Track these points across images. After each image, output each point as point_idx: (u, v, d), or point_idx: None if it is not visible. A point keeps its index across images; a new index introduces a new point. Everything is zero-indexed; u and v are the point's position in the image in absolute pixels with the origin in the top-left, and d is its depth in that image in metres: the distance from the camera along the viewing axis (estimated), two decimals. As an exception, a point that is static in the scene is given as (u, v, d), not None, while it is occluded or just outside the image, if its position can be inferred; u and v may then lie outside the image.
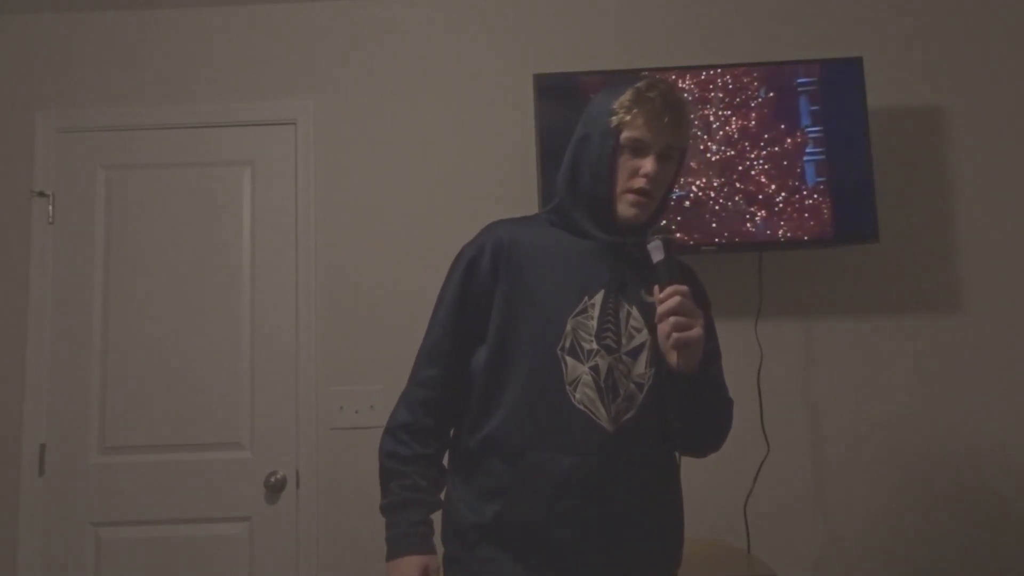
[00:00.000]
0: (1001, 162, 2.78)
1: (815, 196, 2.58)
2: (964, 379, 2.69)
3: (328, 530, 2.69)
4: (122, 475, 2.71)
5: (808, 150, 2.60)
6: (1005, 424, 2.67)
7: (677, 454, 1.51)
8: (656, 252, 1.40)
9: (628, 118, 1.43)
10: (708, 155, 2.60)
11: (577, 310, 1.43)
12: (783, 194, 2.58)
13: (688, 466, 2.68)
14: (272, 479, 2.70)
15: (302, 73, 2.91)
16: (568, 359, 1.42)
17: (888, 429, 2.68)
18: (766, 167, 2.59)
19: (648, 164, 1.44)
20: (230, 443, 2.73)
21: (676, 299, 1.34)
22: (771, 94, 2.62)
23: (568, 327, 1.43)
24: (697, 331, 1.34)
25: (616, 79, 1.55)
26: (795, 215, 2.57)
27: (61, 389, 2.75)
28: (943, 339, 2.72)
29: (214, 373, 2.76)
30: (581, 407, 1.40)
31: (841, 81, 2.61)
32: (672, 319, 1.33)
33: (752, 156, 2.60)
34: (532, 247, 1.50)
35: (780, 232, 2.57)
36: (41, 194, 2.83)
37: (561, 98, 2.63)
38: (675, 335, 1.33)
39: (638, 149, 1.44)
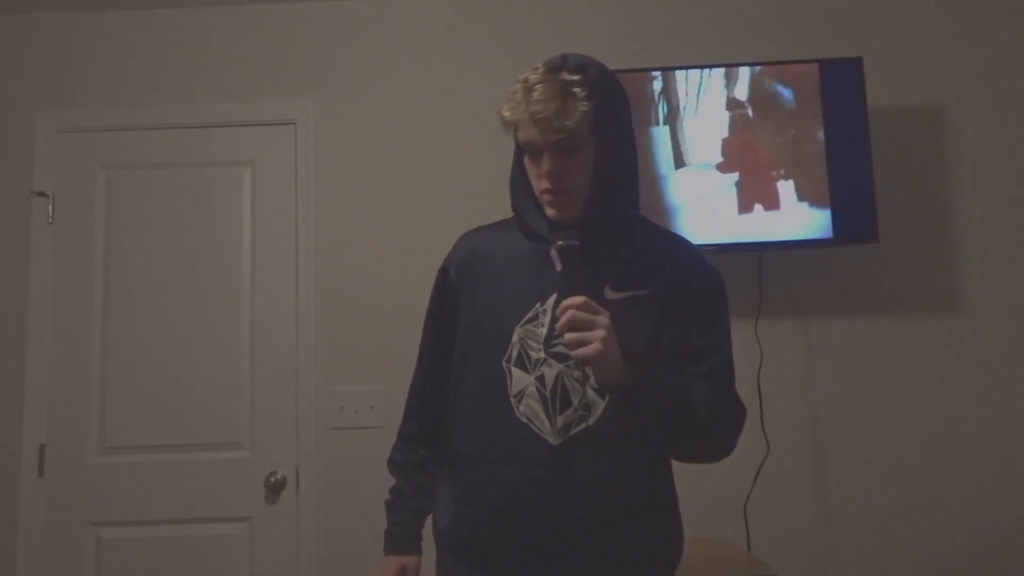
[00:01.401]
0: (1001, 162, 2.78)
1: (815, 196, 2.57)
2: (964, 379, 2.69)
3: (328, 530, 2.69)
4: (122, 475, 2.71)
5: (808, 150, 2.59)
6: (1004, 424, 2.67)
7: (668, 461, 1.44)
8: (556, 262, 1.33)
9: (514, 119, 1.36)
10: (708, 155, 2.61)
11: (527, 318, 1.37)
12: (783, 194, 2.58)
13: (688, 466, 2.67)
14: (272, 479, 2.70)
15: (302, 73, 2.91)
16: (514, 370, 1.37)
17: (888, 429, 2.68)
18: (765, 167, 2.59)
19: (546, 163, 1.34)
20: (230, 443, 2.73)
21: (568, 314, 1.24)
22: (771, 94, 2.61)
23: (514, 337, 1.37)
24: (593, 347, 1.23)
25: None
26: (795, 215, 2.57)
27: (61, 389, 2.75)
28: (943, 339, 2.72)
29: (214, 373, 2.76)
30: (524, 420, 1.34)
31: (841, 81, 2.61)
32: (567, 336, 1.24)
33: (752, 156, 2.60)
34: (492, 256, 1.46)
35: (780, 232, 2.57)
36: (41, 194, 2.83)
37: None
38: (573, 353, 1.24)
39: (532, 149, 1.37)
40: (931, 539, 2.63)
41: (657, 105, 2.63)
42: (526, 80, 1.35)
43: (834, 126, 2.59)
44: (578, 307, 1.25)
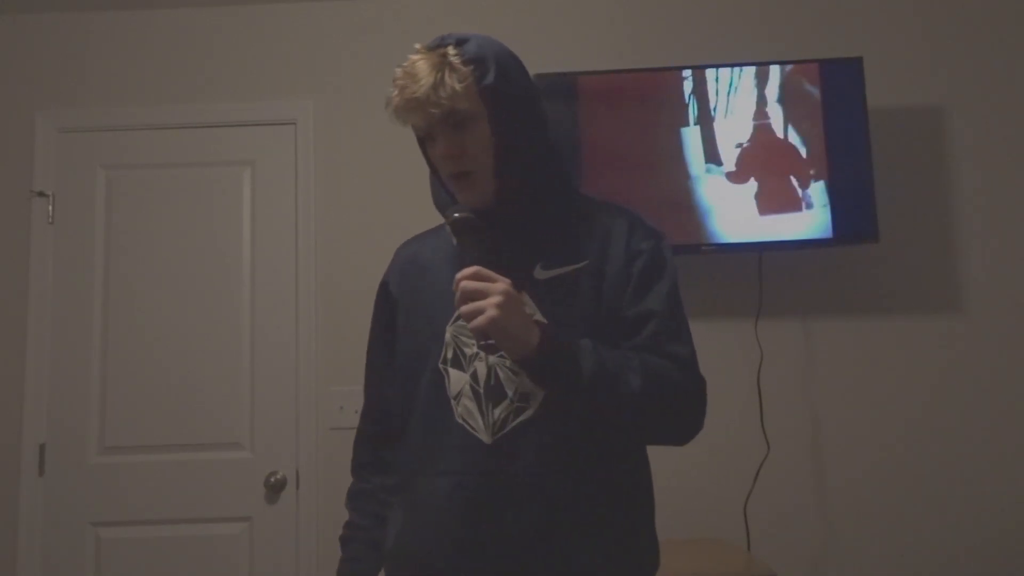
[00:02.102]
0: (1001, 162, 2.78)
1: (815, 196, 2.57)
2: (963, 379, 2.69)
3: (328, 530, 2.69)
4: (122, 475, 2.71)
5: (808, 150, 2.59)
6: (1004, 424, 2.67)
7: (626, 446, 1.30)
8: (452, 239, 1.29)
9: (398, 107, 1.28)
10: (708, 155, 2.61)
11: (457, 314, 1.24)
12: (783, 194, 2.58)
13: (688, 465, 2.68)
14: (272, 479, 2.70)
15: (302, 73, 2.91)
16: (451, 371, 1.29)
17: (887, 429, 2.68)
18: (766, 167, 2.59)
19: (439, 146, 1.28)
20: (230, 443, 2.73)
21: (460, 286, 1.16)
22: (771, 94, 2.62)
23: (447, 336, 1.30)
24: (487, 314, 1.13)
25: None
26: (795, 215, 2.57)
27: (61, 389, 2.75)
28: (943, 339, 2.72)
29: (214, 373, 2.75)
30: (461, 421, 1.26)
31: (841, 81, 2.61)
32: (461, 309, 1.15)
33: (751, 155, 2.60)
34: (423, 261, 1.40)
35: (780, 232, 2.57)
36: (41, 194, 2.83)
37: (561, 98, 2.63)
38: (470, 325, 1.15)
39: (421, 135, 1.31)
40: (931, 539, 2.63)
41: (688, 105, 2.62)
42: (403, 65, 1.28)
43: (834, 126, 2.59)
44: (469, 277, 1.16)
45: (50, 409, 2.74)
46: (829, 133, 2.59)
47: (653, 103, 2.64)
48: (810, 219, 2.57)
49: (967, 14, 2.85)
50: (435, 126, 1.26)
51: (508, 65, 1.29)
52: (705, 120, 2.61)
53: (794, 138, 2.59)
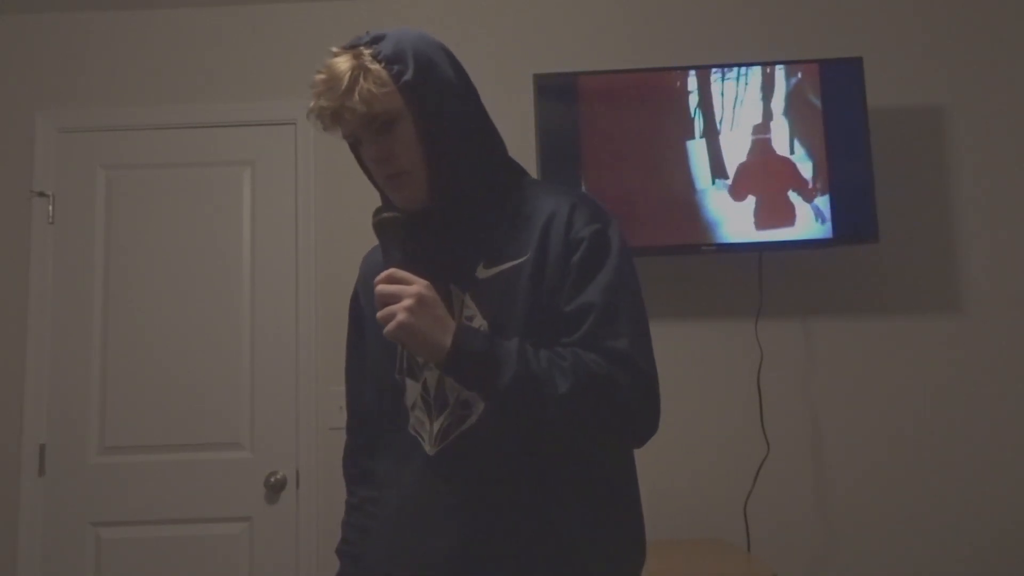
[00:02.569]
0: (1001, 162, 2.78)
1: (815, 196, 2.57)
2: (963, 379, 2.69)
3: (328, 530, 2.69)
4: (122, 475, 2.71)
5: (808, 150, 2.59)
6: (1004, 424, 2.67)
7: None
8: (380, 243, 1.25)
9: (318, 114, 1.23)
10: (708, 155, 2.61)
11: None
12: (783, 194, 2.58)
13: (688, 465, 2.69)
14: (272, 479, 2.70)
15: (302, 73, 2.90)
16: (408, 381, 1.24)
17: (888, 429, 2.68)
18: (764, 183, 2.59)
19: (367, 151, 1.23)
20: (230, 443, 2.73)
21: (376, 291, 1.12)
22: (776, 107, 2.61)
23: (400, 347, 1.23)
24: (396, 320, 1.09)
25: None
26: (795, 215, 2.57)
27: (61, 389, 2.75)
28: (943, 339, 2.72)
29: (214, 373, 2.75)
30: (413, 432, 1.22)
31: (841, 81, 2.61)
32: (378, 315, 1.11)
33: (751, 155, 2.60)
34: (379, 269, 1.27)
35: (780, 232, 2.57)
36: (41, 194, 2.83)
37: (561, 98, 2.63)
38: (384, 331, 1.11)
39: (353, 142, 1.26)
40: (931, 539, 2.63)
41: (694, 119, 2.62)
42: (320, 70, 1.24)
43: (834, 126, 2.59)
44: (383, 280, 1.12)
45: (50, 409, 2.74)
46: (829, 134, 2.58)
47: (654, 105, 2.63)
48: (810, 219, 2.57)
49: (967, 14, 2.85)
50: (359, 131, 1.21)
51: (429, 58, 1.23)
52: (711, 133, 2.61)
53: (800, 152, 2.58)
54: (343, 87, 1.17)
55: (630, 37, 2.88)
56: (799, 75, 2.61)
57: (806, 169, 2.58)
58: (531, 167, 2.80)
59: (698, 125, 2.61)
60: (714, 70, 2.63)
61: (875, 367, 2.71)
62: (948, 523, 2.63)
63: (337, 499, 2.70)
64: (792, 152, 2.59)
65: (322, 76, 1.22)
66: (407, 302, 1.09)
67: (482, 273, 1.21)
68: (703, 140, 2.60)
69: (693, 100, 2.62)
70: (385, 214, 1.22)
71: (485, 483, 1.16)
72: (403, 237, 1.20)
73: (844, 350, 2.72)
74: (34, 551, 2.67)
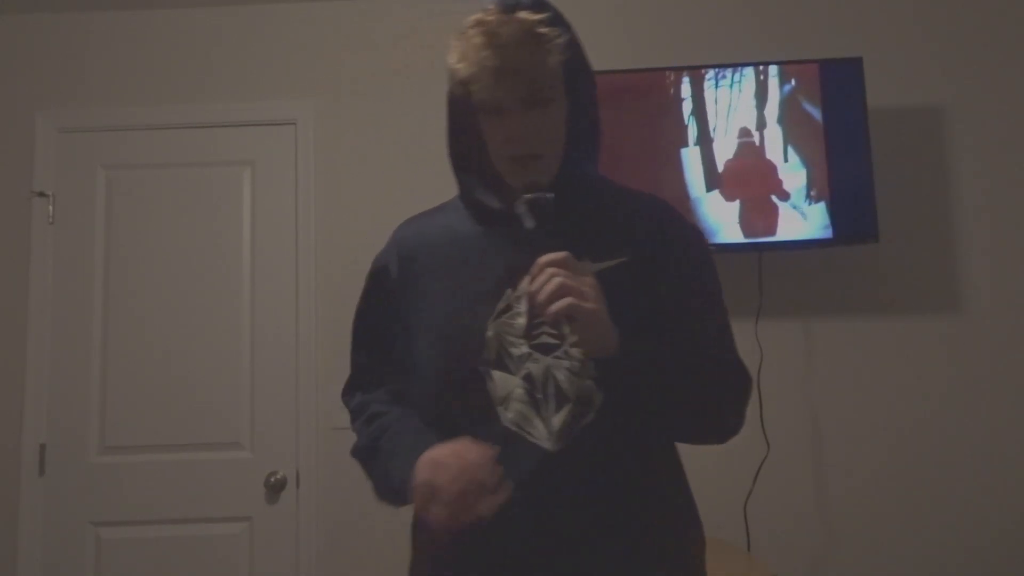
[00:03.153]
0: (1001, 162, 2.78)
1: (815, 196, 2.57)
2: (963, 379, 2.69)
3: (328, 530, 2.69)
4: (122, 475, 2.71)
5: (803, 157, 2.59)
6: (1004, 424, 2.67)
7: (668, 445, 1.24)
8: (526, 218, 1.13)
9: (467, 74, 1.13)
10: (702, 163, 2.61)
11: (498, 310, 1.16)
12: (767, 198, 2.58)
13: (687, 465, 2.67)
14: (272, 479, 2.70)
15: (302, 73, 2.91)
16: (495, 373, 1.15)
17: (887, 429, 2.68)
18: (753, 170, 2.59)
19: (516, 124, 1.13)
20: (230, 443, 2.73)
21: (546, 274, 1.03)
22: (764, 102, 2.61)
23: (489, 334, 1.15)
24: (589, 306, 1.03)
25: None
26: (795, 215, 2.57)
27: (61, 389, 2.75)
28: (943, 339, 2.72)
29: (214, 373, 2.75)
30: (514, 428, 1.13)
31: (841, 81, 2.61)
32: (563, 303, 1.02)
33: (738, 158, 2.60)
34: (438, 244, 1.24)
35: (780, 232, 2.57)
36: (41, 194, 2.83)
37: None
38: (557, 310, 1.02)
39: (495, 109, 1.14)
40: (931, 539, 2.63)
41: (688, 126, 2.61)
42: (480, 23, 1.13)
43: (834, 126, 2.59)
44: (559, 264, 1.04)
45: (50, 409, 2.74)
46: (829, 135, 2.58)
47: (650, 109, 2.63)
48: (815, 216, 2.57)
49: (967, 14, 2.85)
50: (508, 100, 1.12)
51: (579, 41, 1.18)
52: (705, 141, 2.60)
53: (794, 159, 2.58)
54: (523, 51, 1.10)
55: (630, 37, 2.88)
56: (793, 82, 2.61)
57: (799, 177, 2.58)
58: (531, 167, 2.81)
59: (692, 132, 2.61)
60: (709, 75, 2.63)
61: (875, 367, 2.71)
62: (948, 523, 2.63)
63: (337, 499, 2.72)
64: (786, 160, 2.58)
65: (486, 33, 1.11)
66: (592, 290, 1.04)
67: (594, 267, 1.16)
68: (697, 148, 2.60)
69: (687, 107, 2.62)
70: (538, 197, 1.12)
71: (604, 476, 1.14)
72: (552, 223, 1.12)
73: (844, 350, 2.72)
74: (34, 551, 2.67)
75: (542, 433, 1.13)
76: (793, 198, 2.57)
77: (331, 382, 2.75)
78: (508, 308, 1.16)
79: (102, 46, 2.93)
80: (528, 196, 1.12)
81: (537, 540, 1.11)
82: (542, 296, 1.03)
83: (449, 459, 1.06)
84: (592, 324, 1.04)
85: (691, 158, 2.61)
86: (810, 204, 2.57)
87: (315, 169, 2.86)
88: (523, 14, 1.13)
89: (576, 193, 1.19)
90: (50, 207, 2.83)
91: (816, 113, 2.60)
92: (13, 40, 2.93)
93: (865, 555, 2.64)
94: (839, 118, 2.59)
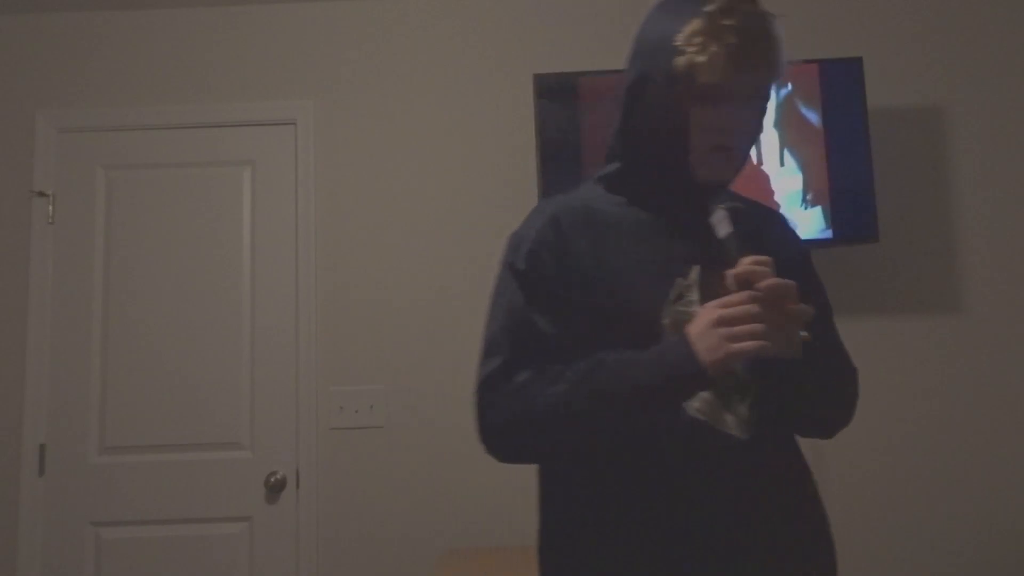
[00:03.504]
0: (1001, 162, 2.78)
1: (811, 200, 2.57)
2: (964, 379, 2.69)
3: (328, 530, 2.69)
4: (122, 475, 2.71)
5: (804, 154, 2.59)
6: (1005, 424, 2.67)
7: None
8: (721, 225, 1.11)
9: (701, 57, 1.09)
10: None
11: (672, 297, 1.13)
12: (783, 194, 2.58)
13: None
14: (272, 479, 2.70)
15: (302, 73, 2.92)
16: None
17: (887, 429, 2.68)
18: (759, 175, 2.59)
19: (731, 115, 1.12)
20: (230, 443, 2.73)
21: (773, 283, 1.03)
22: (771, 94, 2.61)
23: (666, 321, 1.12)
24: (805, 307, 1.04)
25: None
26: (795, 215, 2.57)
27: (61, 389, 2.75)
28: (943, 339, 2.72)
29: (214, 373, 2.76)
30: (702, 417, 1.11)
31: (841, 81, 2.61)
32: (804, 308, 1.03)
33: (751, 156, 2.60)
34: (606, 224, 1.18)
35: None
36: (41, 194, 2.83)
37: (561, 98, 2.63)
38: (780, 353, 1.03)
39: (716, 96, 1.11)
40: (931, 539, 2.63)
41: None
42: (729, 10, 1.10)
43: (834, 126, 2.59)
44: (768, 264, 1.05)
45: (50, 409, 2.74)
46: (829, 135, 2.59)
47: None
48: (810, 219, 2.57)
49: (966, 14, 2.85)
50: (741, 92, 1.12)
51: None
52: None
53: (790, 164, 2.58)
54: (766, 45, 1.10)
55: (630, 37, 2.88)
56: (790, 86, 2.61)
57: (795, 181, 2.58)
58: (531, 167, 2.81)
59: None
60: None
61: (875, 367, 2.71)
62: (948, 523, 2.64)
63: (337, 499, 2.72)
64: (782, 164, 2.58)
65: (742, 22, 1.10)
66: (808, 309, 1.04)
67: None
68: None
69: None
70: (734, 204, 1.15)
71: (783, 463, 1.17)
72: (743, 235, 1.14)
73: (845, 349, 2.71)
74: (34, 551, 2.67)
75: (733, 422, 1.12)
76: (788, 203, 2.57)
77: (331, 382, 2.75)
78: (680, 296, 1.14)
79: (102, 46, 2.93)
80: (728, 206, 1.12)
81: (741, 527, 1.09)
82: (776, 293, 1.02)
83: (722, 307, 1.04)
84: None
85: None
86: (806, 208, 2.57)
87: (315, 169, 2.86)
88: (754, 5, 1.13)
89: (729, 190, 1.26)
90: (50, 207, 2.83)
91: (813, 116, 2.60)
92: (13, 40, 2.93)
93: (865, 555, 2.64)
94: (839, 118, 2.59)
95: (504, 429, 1.12)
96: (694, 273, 1.14)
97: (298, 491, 2.71)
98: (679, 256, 1.15)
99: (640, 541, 1.09)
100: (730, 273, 1.06)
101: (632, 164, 1.21)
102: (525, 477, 2.70)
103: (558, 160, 2.61)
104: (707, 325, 1.03)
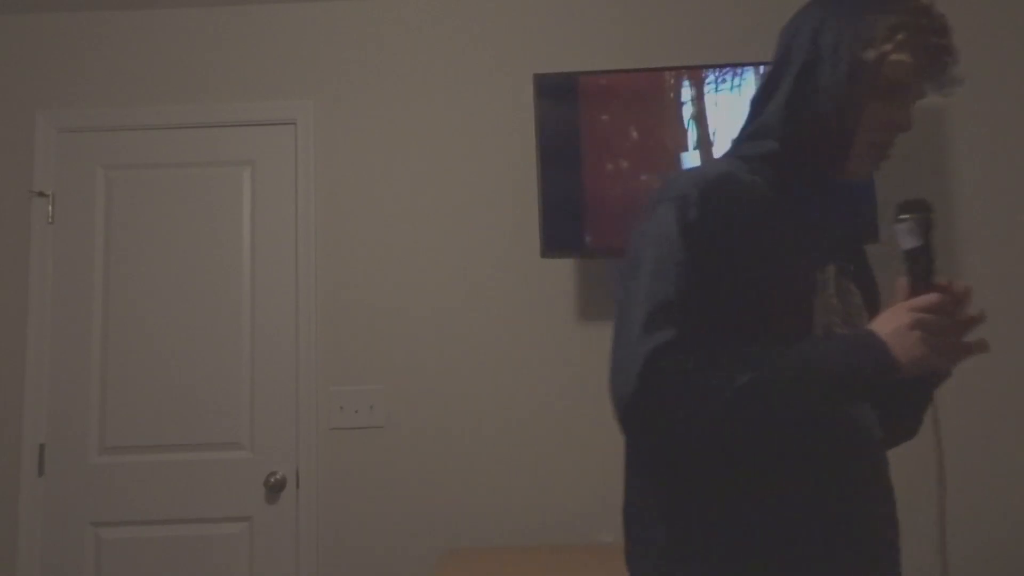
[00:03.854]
0: (1001, 163, 2.78)
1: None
2: (965, 382, 2.69)
3: (328, 530, 2.69)
4: (122, 475, 2.71)
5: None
6: (1008, 425, 2.67)
7: None
8: (909, 237, 1.08)
9: (896, 55, 1.09)
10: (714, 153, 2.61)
11: (818, 287, 1.11)
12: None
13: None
14: (272, 479, 2.70)
15: (302, 73, 2.91)
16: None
17: (888, 429, 2.68)
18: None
19: (905, 114, 1.12)
20: (230, 443, 2.73)
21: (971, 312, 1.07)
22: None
23: (816, 307, 1.10)
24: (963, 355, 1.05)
25: None
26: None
27: (61, 389, 2.75)
28: (943, 339, 2.71)
29: (214, 373, 2.76)
30: (855, 413, 1.12)
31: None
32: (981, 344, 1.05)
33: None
34: (759, 201, 1.13)
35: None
36: (41, 194, 2.83)
37: (561, 98, 2.63)
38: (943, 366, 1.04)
39: (900, 94, 1.11)
40: (930, 540, 2.63)
41: (688, 130, 2.61)
42: (926, 10, 1.11)
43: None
44: (936, 305, 1.05)
45: (50, 409, 2.74)
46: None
47: (653, 110, 2.63)
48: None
49: (967, 15, 2.85)
50: (917, 94, 1.13)
51: None
52: (704, 145, 2.60)
53: None
54: (951, 40, 1.14)
55: (630, 37, 2.88)
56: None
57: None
58: (531, 167, 2.81)
59: (691, 137, 2.61)
60: (709, 78, 2.63)
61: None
62: (950, 523, 2.63)
63: (337, 499, 2.72)
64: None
65: (940, 20, 1.14)
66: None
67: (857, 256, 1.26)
68: (697, 152, 2.60)
69: (688, 111, 2.62)
70: (928, 214, 1.10)
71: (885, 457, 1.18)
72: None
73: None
74: (34, 551, 2.67)
75: (871, 420, 1.15)
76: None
77: (331, 382, 2.75)
78: (822, 286, 1.12)
79: (102, 46, 2.93)
80: (918, 216, 1.08)
81: (890, 522, 1.12)
82: (970, 322, 1.06)
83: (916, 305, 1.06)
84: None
85: (691, 163, 2.61)
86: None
87: (315, 169, 2.86)
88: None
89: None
90: (50, 207, 2.83)
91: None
92: (13, 40, 2.93)
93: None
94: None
95: (674, 414, 1.00)
96: (831, 269, 1.14)
97: (298, 491, 2.71)
98: (818, 247, 1.14)
99: (812, 539, 1.05)
100: (944, 285, 1.07)
101: (789, 148, 1.16)
102: (526, 476, 2.70)
103: (558, 160, 2.61)
104: (905, 327, 1.02)
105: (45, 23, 2.94)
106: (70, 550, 2.68)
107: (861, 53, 1.09)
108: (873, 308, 1.24)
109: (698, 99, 2.62)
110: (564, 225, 2.58)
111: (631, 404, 1.01)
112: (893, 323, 1.04)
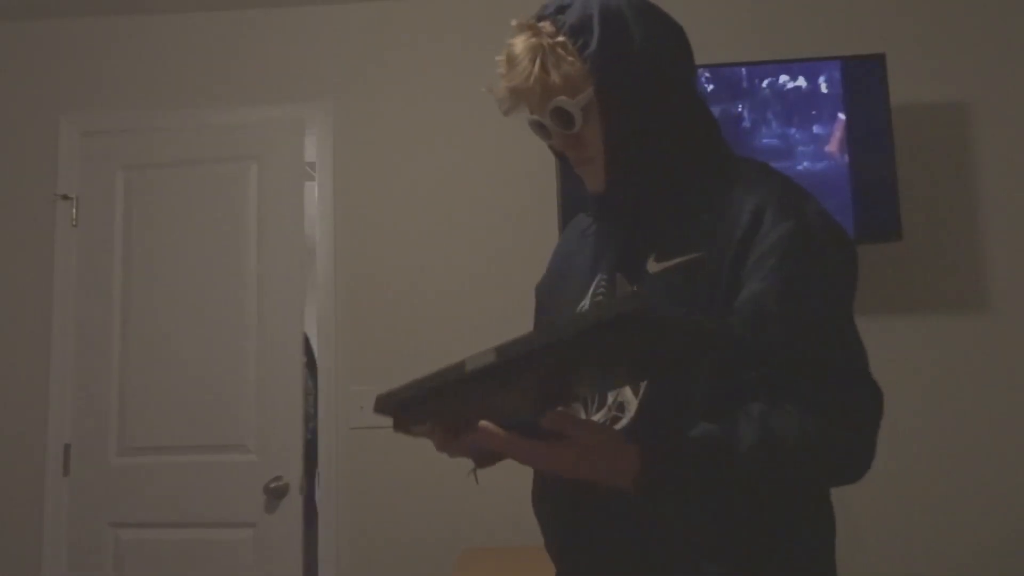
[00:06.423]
0: (1027, 159, 2.74)
1: (837, 194, 2.55)
2: (990, 381, 2.65)
3: (350, 528, 2.69)
4: (142, 477, 2.71)
5: (830, 148, 2.57)
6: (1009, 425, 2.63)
7: None
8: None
9: (501, 103, 1.16)
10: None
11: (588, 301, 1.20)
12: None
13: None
14: (272, 484, 2.66)
15: (318, 75, 2.93)
16: None
17: (911, 431, 2.64)
18: (787, 165, 2.57)
19: (552, 134, 1.14)
20: (240, 445, 2.71)
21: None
22: (793, 92, 2.60)
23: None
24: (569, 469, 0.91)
25: None
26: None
27: (85, 389, 2.77)
28: (969, 340, 2.68)
29: (234, 375, 2.74)
30: None
31: (864, 78, 2.59)
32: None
33: (774, 154, 2.58)
34: (576, 244, 1.30)
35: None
36: (65, 197, 2.85)
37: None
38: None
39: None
40: (957, 540, 2.59)
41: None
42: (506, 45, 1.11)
43: (857, 123, 2.56)
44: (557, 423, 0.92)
45: (74, 409, 2.76)
46: (852, 131, 2.56)
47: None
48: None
49: (990, 9, 2.81)
50: (540, 114, 1.10)
51: (621, 18, 1.06)
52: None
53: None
54: (526, 72, 1.05)
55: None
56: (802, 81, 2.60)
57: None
58: (550, 167, 2.80)
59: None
60: (733, 68, 2.62)
61: (900, 367, 2.67)
62: (975, 524, 2.59)
63: (356, 501, 2.71)
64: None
65: (505, 53, 1.10)
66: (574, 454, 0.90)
67: (652, 267, 1.07)
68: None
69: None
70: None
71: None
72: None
73: (868, 350, 2.67)
74: (59, 550, 2.69)
75: None
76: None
77: (351, 382, 2.75)
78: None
79: (124, 50, 2.96)
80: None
81: (581, 554, 1.13)
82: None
83: None
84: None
85: None
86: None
87: (332, 169, 2.86)
88: (540, 26, 1.14)
89: (625, 191, 1.13)
90: (73, 210, 2.85)
91: (843, 103, 2.58)
92: (38, 45, 2.96)
93: (868, 556, 2.60)
94: (862, 115, 2.57)
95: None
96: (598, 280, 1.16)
97: (317, 491, 2.70)
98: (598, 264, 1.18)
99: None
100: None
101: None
102: (545, 478, 2.68)
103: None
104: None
105: (68, 28, 2.97)
106: (91, 550, 2.69)
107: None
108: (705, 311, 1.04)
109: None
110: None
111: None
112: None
